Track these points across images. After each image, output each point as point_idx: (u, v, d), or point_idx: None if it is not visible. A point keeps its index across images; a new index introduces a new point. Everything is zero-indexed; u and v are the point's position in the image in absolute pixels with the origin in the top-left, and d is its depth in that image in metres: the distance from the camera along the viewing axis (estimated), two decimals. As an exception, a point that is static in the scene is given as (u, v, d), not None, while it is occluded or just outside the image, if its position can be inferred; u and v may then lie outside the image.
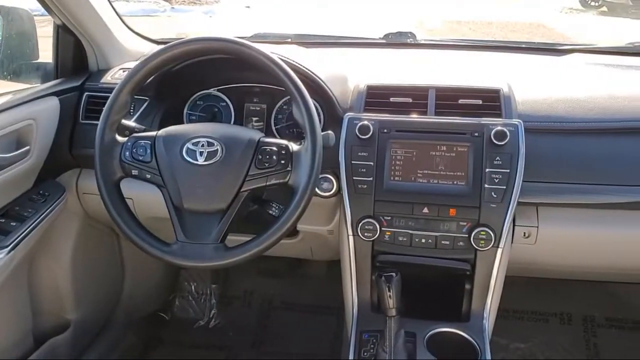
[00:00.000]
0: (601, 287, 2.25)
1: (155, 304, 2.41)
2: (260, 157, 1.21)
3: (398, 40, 2.02)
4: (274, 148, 1.22)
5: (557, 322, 2.27)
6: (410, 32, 2.02)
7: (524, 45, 2.01)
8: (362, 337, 1.38)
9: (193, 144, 1.23)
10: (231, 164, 1.21)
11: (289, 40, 2.06)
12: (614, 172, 1.38)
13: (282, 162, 1.21)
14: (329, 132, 1.26)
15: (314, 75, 1.47)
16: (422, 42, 2.03)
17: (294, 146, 1.23)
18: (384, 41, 2.05)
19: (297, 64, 1.44)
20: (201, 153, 1.22)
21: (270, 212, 1.35)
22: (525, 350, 2.17)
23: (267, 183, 1.21)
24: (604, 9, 11.24)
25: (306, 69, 1.46)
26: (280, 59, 1.24)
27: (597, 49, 1.90)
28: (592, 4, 11.45)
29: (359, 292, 1.48)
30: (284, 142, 1.23)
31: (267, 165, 1.21)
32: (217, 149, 1.22)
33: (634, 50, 1.87)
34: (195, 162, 1.21)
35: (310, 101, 1.22)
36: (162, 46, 1.28)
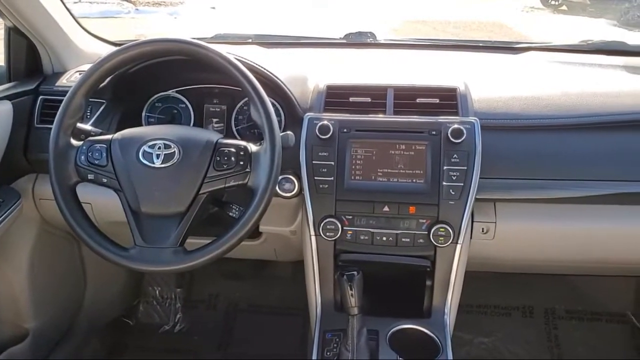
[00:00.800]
0: (561, 280, 2.30)
1: (118, 310, 2.37)
2: (218, 158, 1.20)
3: (358, 40, 2.04)
4: (233, 149, 1.21)
5: (519, 316, 2.31)
6: (370, 32, 2.04)
7: (481, 44, 2.04)
8: (325, 337, 1.38)
9: (149, 146, 1.22)
10: (189, 166, 1.20)
11: (250, 40, 2.05)
12: (568, 167, 1.41)
13: (241, 163, 1.20)
14: (289, 132, 1.26)
15: (273, 76, 1.47)
16: (383, 41, 2.04)
17: (252, 147, 1.22)
18: (344, 41, 2.06)
19: (255, 65, 1.43)
20: (158, 155, 1.20)
21: (231, 214, 1.34)
22: (488, 345, 2.21)
23: (226, 185, 1.21)
24: (564, 7, 11.53)
25: (264, 69, 1.46)
26: (237, 59, 1.23)
27: (552, 47, 1.94)
28: (553, 2, 11.72)
29: (322, 292, 1.48)
30: (242, 143, 1.23)
31: (225, 166, 1.20)
32: (174, 151, 1.20)
33: (587, 48, 1.92)
34: (152, 164, 1.20)
35: (268, 101, 1.21)
36: (117, 48, 1.26)
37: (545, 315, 2.30)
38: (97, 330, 2.19)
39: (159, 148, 1.21)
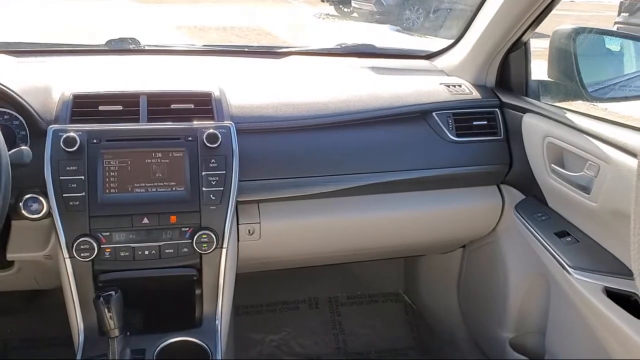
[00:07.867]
0: (342, 268, 2.44)
1: None
2: None
3: (120, 47, 1.93)
4: None
5: (306, 308, 2.41)
6: (132, 38, 1.95)
7: (246, 49, 2.08)
8: None
9: None
10: None
11: (-5, 48, 1.84)
12: (319, 164, 1.50)
13: None
14: (23, 147, 1.16)
15: (3, 87, 1.32)
16: (146, 48, 1.97)
17: None
18: (106, 48, 1.95)
19: None
20: None
21: None
22: (278, 341, 2.26)
23: None
24: (355, 14, 12.55)
25: None
26: None
27: (311, 51, 2.04)
28: (345, 10, 12.75)
29: (84, 317, 1.38)
30: None
31: None
32: None
33: (341, 51, 2.05)
34: None
35: None
36: None
37: (329, 304, 2.43)
38: None
39: None
